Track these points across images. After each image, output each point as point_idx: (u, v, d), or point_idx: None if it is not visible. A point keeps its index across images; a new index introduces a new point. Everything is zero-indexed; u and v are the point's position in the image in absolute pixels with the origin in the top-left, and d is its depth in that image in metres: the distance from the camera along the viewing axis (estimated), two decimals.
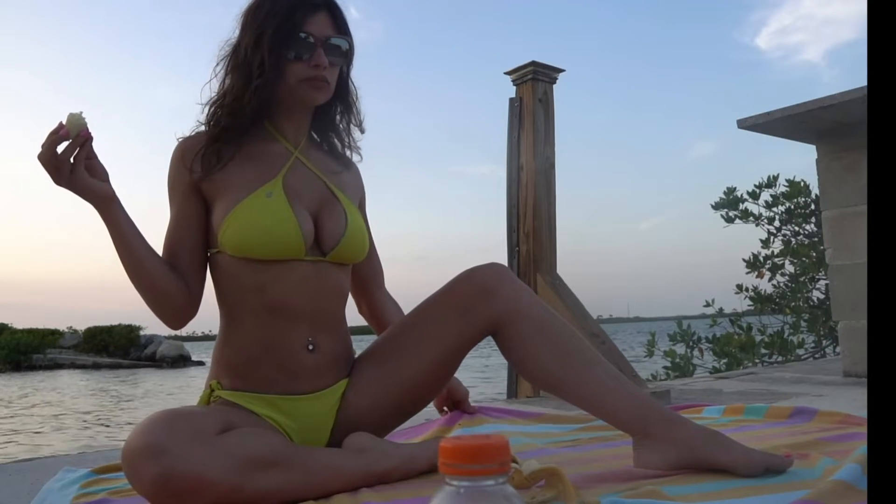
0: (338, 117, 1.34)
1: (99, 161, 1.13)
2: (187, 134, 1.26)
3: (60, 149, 1.08)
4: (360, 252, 1.28)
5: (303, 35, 1.18)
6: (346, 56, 1.26)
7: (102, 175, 1.14)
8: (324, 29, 1.21)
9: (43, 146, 1.07)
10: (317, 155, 1.31)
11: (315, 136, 1.36)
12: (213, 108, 1.24)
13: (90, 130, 1.08)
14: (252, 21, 1.21)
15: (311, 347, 1.21)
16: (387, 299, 1.49)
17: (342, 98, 1.32)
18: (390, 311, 1.47)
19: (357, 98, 1.34)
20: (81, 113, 1.07)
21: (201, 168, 1.22)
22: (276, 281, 1.18)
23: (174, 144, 1.26)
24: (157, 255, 1.21)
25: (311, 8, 1.20)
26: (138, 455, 0.96)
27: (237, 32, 1.24)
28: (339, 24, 1.24)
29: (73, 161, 1.09)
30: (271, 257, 1.17)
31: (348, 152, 1.37)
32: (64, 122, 1.07)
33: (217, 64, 1.25)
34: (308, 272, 1.20)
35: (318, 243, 1.22)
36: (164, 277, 1.20)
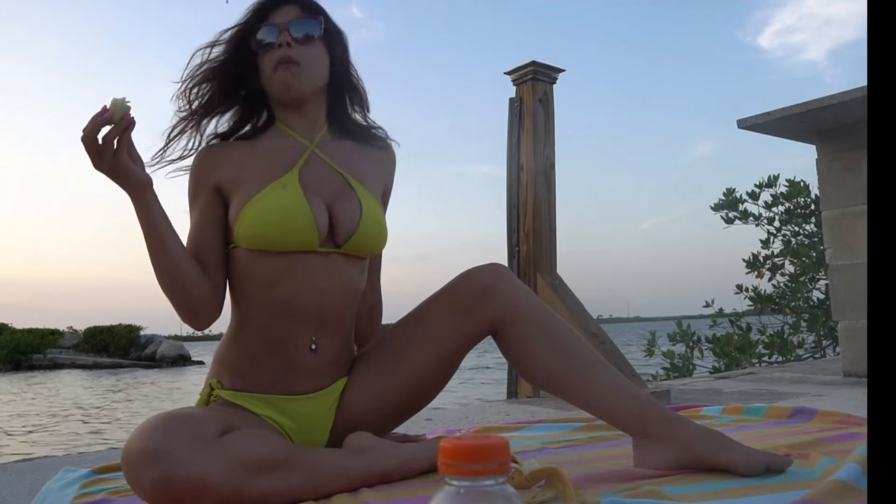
0: (348, 104, 1.34)
1: (136, 149, 1.13)
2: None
3: (103, 133, 1.07)
4: (375, 244, 1.26)
5: (268, 25, 1.22)
6: (319, 33, 1.25)
7: (140, 163, 1.14)
8: (289, 15, 1.23)
9: (86, 129, 1.06)
10: (335, 147, 1.29)
11: (338, 127, 1.34)
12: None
13: (132, 116, 1.08)
14: (229, 29, 1.26)
15: (313, 347, 1.21)
16: (371, 305, 1.40)
17: (347, 83, 1.32)
18: (363, 316, 1.38)
19: (359, 81, 1.34)
20: (125, 98, 1.07)
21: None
22: (288, 274, 1.18)
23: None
24: (186, 250, 1.20)
25: (277, 1, 1.24)
26: (138, 459, 0.96)
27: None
28: (308, 9, 1.26)
29: (115, 146, 1.08)
30: (285, 248, 1.17)
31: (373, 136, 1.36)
32: (108, 106, 1.07)
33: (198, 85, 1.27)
34: (321, 266, 1.20)
35: (333, 235, 1.21)
36: (193, 273, 1.19)
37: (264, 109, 1.31)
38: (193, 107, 1.26)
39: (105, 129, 1.07)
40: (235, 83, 1.27)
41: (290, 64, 1.21)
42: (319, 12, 1.26)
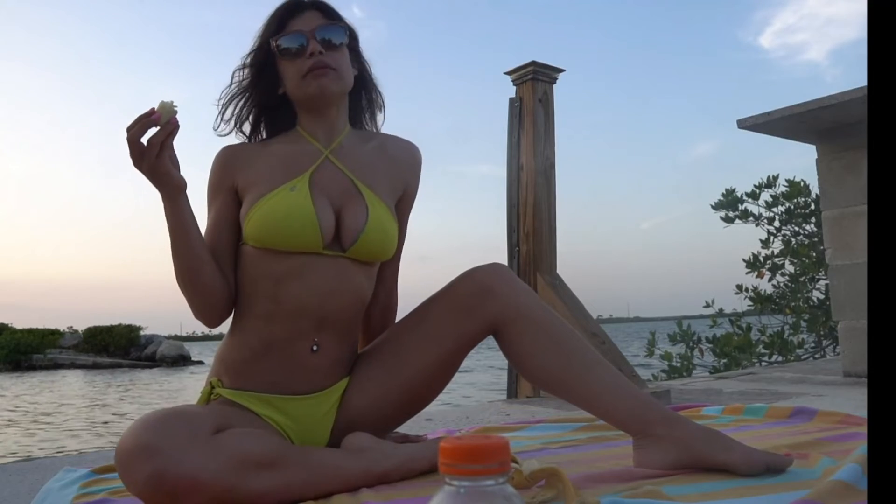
0: (366, 110, 1.37)
1: (174, 151, 1.14)
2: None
3: (148, 134, 1.09)
4: (381, 249, 1.25)
5: (293, 33, 1.23)
6: (346, 40, 1.27)
7: (177, 165, 1.15)
8: (313, 22, 1.24)
9: (133, 128, 1.08)
10: (351, 153, 1.29)
11: (359, 131, 1.35)
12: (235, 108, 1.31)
13: (178, 119, 1.10)
14: (255, 40, 1.28)
15: (315, 348, 1.21)
16: (385, 307, 1.39)
17: (366, 88, 1.35)
18: (376, 318, 1.38)
19: (375, 80, 1.36)
20: (173, 102, 1.10)
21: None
22: (293, 273, 1.18)
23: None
24: (208, 251, 1.21)
25: (297, 8, 1.25)
26: (131, 456, 0.96)
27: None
28: (330, 15, 1.26)
29: (159, 148, 1.10)
30: (290, 248, 1.18)
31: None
32: (156, 108, 1.09)
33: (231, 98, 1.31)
34: (326, 268, 1.20)
35: (339, 239, 1.22)
36: (213, 272, 1.20)
37: (286, 113, 1.32)
38: (231, 126, 1.30)
39: (151, 131, 1.09)
40: (266, 95, 1.29)
41: (326, 69, 1.22)
42: (341, 18, 1.27)
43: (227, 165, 1.26)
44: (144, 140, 1.09)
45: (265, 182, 1.22)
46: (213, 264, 1.21)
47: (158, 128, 1.09)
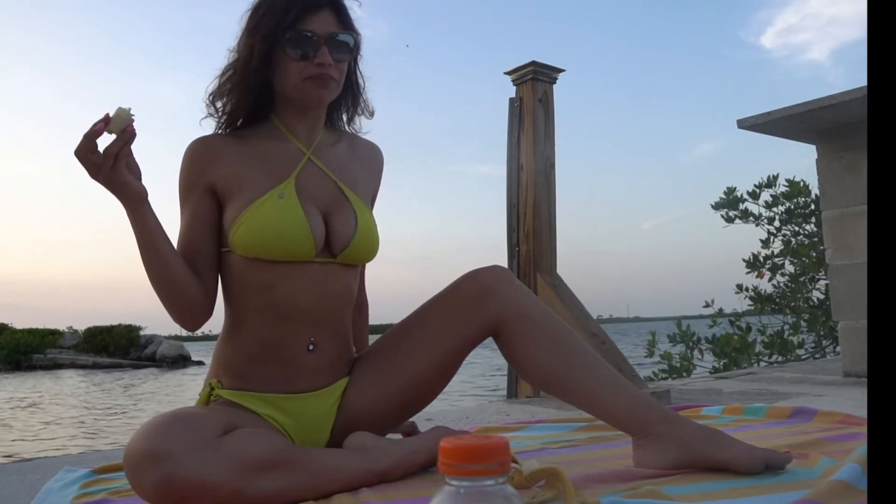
0: (345, 113, 1.34)
1: (134, 158, 1.10)
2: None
3: (103, 144, 1.04)
4: (369, 253, 1.27)
5: (306, 33, 1.17)
6: (353, 52, 1.24)
7: (137, 173, 1.11)
8: (327, 26, 1.19)
9: (81, 141, 1.03)
10: (330, 153, 1.28)
11: (334, 130, 1.34)
12: (213, 102, 1.24)
13: (135, 127, 1.04)
14: (250, 20, 1.20)
15: (311, 347, 1.21)
16: (359, 303, 1.39)
17: (351, 92, 1.31)
18: (353, 315, 1.36)
19: (363, 90, 1.32)
20: (130, 109, 1.04)
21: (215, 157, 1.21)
22: (284, 280, 1.18)
23: (182, 144, 1.26)
24: (179, 256, 1.19)
25: (313, 5, 1.18)
26: (140, 460, 0.96)
27: (239, 33, 1.22)
28: (344, 21, 1.22)
29: (114, 159, 1.05)
30: (282, 258, 1.17)
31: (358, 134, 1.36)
32: (111, 115, 1.03)
33: (223, 74, 1.23)
34: (317, 273, 1.20)
35: (329, 245, 1.21)
36: (185, 278, 1.18)
37: (264, 101, 1.25)
38: (220, 111, 1.24)
39: (108, 140, 1.04)
40: (258, 79, 1.20)
41: (330, 81, 1.19)
42: (354, 27, 1.23)
43: (200, 160, 1.21)
44: (102, 152, 1.04)
45: (249, 186, 1.19)
46: (185, 270, 1.18)
47: (114, 137, 1.03)
